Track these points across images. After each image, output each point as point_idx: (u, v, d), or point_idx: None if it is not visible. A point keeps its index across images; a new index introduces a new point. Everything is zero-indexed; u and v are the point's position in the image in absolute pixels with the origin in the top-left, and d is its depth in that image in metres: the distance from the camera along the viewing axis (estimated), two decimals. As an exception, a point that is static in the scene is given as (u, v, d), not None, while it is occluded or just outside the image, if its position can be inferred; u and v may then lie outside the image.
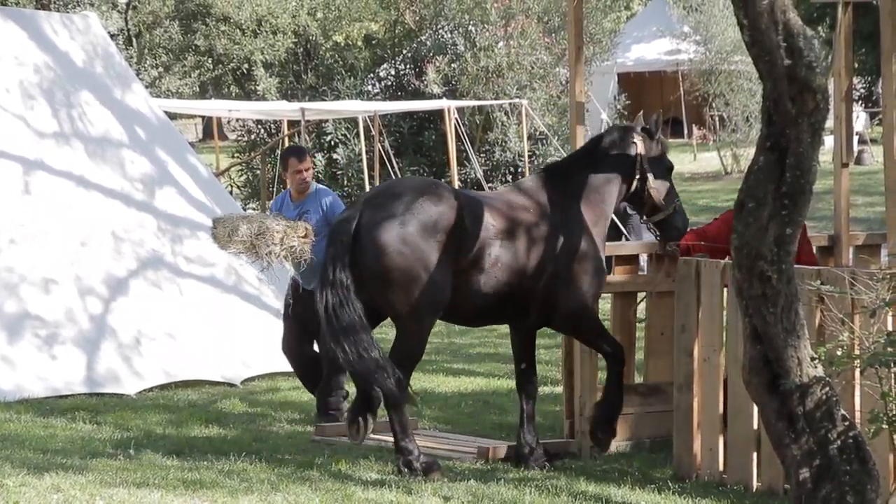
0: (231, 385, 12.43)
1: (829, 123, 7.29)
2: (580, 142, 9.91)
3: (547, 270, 9.01)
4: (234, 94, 40.10)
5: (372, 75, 28.69)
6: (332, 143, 26.38)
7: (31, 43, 13.58)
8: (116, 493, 7.73)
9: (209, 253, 12.80)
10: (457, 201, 8.78)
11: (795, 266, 6.61)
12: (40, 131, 13.15)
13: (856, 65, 22.71)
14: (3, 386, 11.62)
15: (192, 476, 8.35)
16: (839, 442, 6.45)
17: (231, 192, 23.71)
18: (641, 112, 9.73)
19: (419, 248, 8.58)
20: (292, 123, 25.65)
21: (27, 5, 34.24)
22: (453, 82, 27.51)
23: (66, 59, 13.80)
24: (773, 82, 6.31)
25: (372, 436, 10.14)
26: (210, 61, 40.43)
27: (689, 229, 9.76)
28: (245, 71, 39.77)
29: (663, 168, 9.59)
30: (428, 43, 28.49)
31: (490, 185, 25.84)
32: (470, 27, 28.26)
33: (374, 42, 32.17)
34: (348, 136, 26.14)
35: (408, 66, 28.52)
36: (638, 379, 10.47)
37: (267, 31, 38.63)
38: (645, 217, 9.68)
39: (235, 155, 29.45)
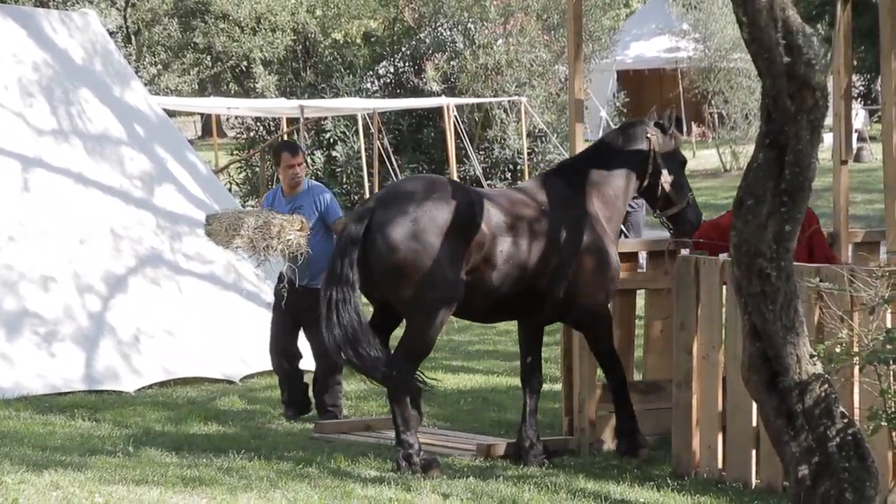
0: (230, 382, 12.43)
1: (829, 121, 7.29)
2: (579, 139, 9.92)
3: (560, 267, 9.03)
4: (233, 92, 40.10)
5: (371, 73, 28.70)
6: (331, 140, 26.39)
7: (30, 40, 13.57)
8: (115, 490, 7.73)
9: (208, 250, 12.79)
10: (469, 199, 8.79)
11: (794, 263, 6.61)
12: (39, 129, 13.14)
13: (855, 62, 22.71)
14: (3, 383, 11.62)
15: (191, 473, 8.35)
16: (838, 439, 6.45)
17: (230, 190, 23.68)
18: (655, 107, 9.72)
19: (431, 245, 8.59)
20: (291, 121, 25.65)
21: (26, 3, 34.20)
22: (452, 80, 27.51)
23: (64, 57, 13.78)
24: (773, 79, 6.30)
25: (371, 433, 10.17)
26: (209, 59, 40.43)
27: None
28: (244, 68, 39.76)
29: (677, 163, 9.64)
30: (427, 40, 28.50)
31: (489, 182, 25.85)
32: (469, 24, 28.27)
33: (373, 39, 32.18)
34: (347, 133, 26.15)
35: (407, 64, 28.53)
36: (637, 376, 10.48)
37: (266, 29, 38.62)
38: (658, 211, 9.71)
39: (234, 152, 29.45)
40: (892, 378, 7.20)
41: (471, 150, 25.41)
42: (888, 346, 6.97)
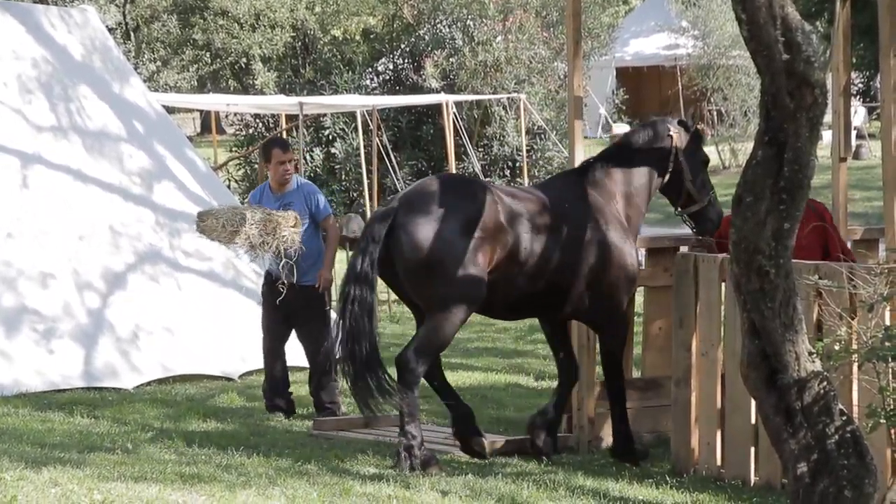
0: (229, 379, 12.43)
1: (828, 118, 7.29)
2: (578, 136, 9.93)
3: (581, 266, 9.05)
4: (232, 89, 40.14)
5: (370, 70, 28.69)
6: (331, 137, 26.38)
7: (29, 37, 13.56)
8: (114, 486, 7.72)
9: (207, 247, 12.79)
10: (492, 197, 8.80)
11: (800, 260, 6.60)
12: (38, 125, 13.14)
13: (854, 59, 22.70)
14: (1, 380, 11.62)
15: (189, 470, 8.34)
16: (837, 436, 6.45)
17: (229, 186, 23.69)
18: (681, 102, 9.74)
19: (455, 243, 8.60)
20: (290, 118, 25.62)
21: (25, -1, 34.18)
22: (451, 77, 27.50)
23: (64, 53, 13.78)
24: (772, 77, 6.30)
25: (370, 430, 10.17)
26: (208, 55, 40.44)
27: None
28: (243, 65, 39.79)
29: (699, 161, 9.65)
30: (426, 37, 28.50)
31: (488, 179, 25.84)
32: (468, 22, 28.26)
33: (372, 36, 32.21)
34: (346, 130, 26.14)
35: (406, 61, 28.52)
36: (636, 373, 10.48)
37: (265, 26, 38.63)
38: (679, 209, 9.72)
39: (233, 149, 29.44)
40: (890, 375, 7.20)
41: (470, 147, 25.40)
42: (887, 344, 6.97)
